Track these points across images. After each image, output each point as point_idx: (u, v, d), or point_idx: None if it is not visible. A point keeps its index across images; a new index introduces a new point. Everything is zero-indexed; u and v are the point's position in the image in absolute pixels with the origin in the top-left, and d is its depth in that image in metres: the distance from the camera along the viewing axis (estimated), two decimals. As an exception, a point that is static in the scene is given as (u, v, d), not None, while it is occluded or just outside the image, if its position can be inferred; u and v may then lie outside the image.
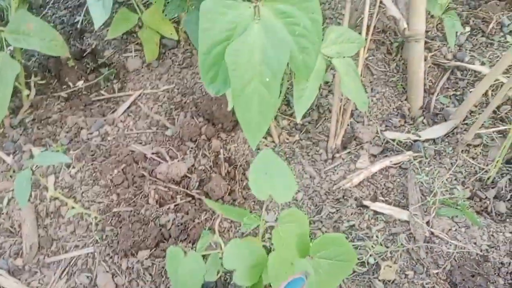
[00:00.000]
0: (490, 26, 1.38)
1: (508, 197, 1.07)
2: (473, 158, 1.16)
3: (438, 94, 1.30)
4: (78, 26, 1.62)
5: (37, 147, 1.31)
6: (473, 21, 1.41)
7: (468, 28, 1.40)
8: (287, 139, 1.25)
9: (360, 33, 1.04)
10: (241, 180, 1.19)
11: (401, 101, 1.30)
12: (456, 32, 1.27)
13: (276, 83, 0.78)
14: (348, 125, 1.25)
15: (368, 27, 1.15)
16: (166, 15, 1.36)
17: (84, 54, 1.54)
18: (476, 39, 1.37)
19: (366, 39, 1.13)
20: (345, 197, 1.10)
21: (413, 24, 1.20)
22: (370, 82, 1.34)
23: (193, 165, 1.19)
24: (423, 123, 1.25)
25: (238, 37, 0.77)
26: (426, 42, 1.36)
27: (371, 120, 1.26)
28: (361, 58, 1.10)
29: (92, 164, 1.22)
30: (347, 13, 1.09)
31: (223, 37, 0.78)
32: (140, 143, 1.26)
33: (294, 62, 0.86)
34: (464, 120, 1.23)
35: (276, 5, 0.80)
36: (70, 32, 1.62)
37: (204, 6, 0.75)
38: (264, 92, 0.79)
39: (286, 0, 0.80)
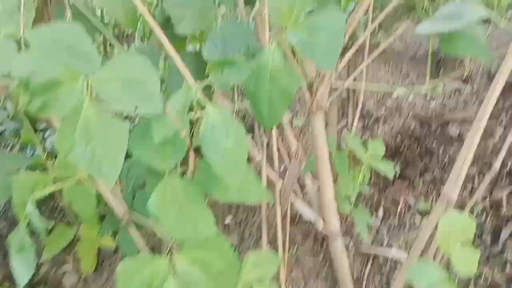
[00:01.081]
0: (399, 207, 1.55)
1: None
2: None
3: (366, 283, 1.37)
4: (17, 241, 1.64)
5: None
6: (384, 203, 1.59)
7: (381, 210, 1.57)
8: None
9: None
10: None
11: (334, 295, 1.34)
12: (368, 224, 1.41)
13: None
14: (284, 332, 1.25)
15: (290, 221, 1.25)
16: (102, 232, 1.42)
17: (20, 273, 1.52)
18: (389, 222, 1.52)
19: (284, 244, 1.23)
20: None
21: (327, 224, 1.32)
22: (303, 276, 1.40)
23: None
24: (357, 318, 1.28)
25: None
26: (347, 230, 1.49)
27: (306, 323, 1.28)
28: (283, 274, 1.17)
29: None
30: (265, 233, 1.20)
31: (142, 292, 0.83)
32: None
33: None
34: (394, 309, 1.27)
35: (191, 254, 0.87)
36: (4, 253, 1.62)
37: (120, 266, 0.81)
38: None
39: (200, 247, 0.88)
